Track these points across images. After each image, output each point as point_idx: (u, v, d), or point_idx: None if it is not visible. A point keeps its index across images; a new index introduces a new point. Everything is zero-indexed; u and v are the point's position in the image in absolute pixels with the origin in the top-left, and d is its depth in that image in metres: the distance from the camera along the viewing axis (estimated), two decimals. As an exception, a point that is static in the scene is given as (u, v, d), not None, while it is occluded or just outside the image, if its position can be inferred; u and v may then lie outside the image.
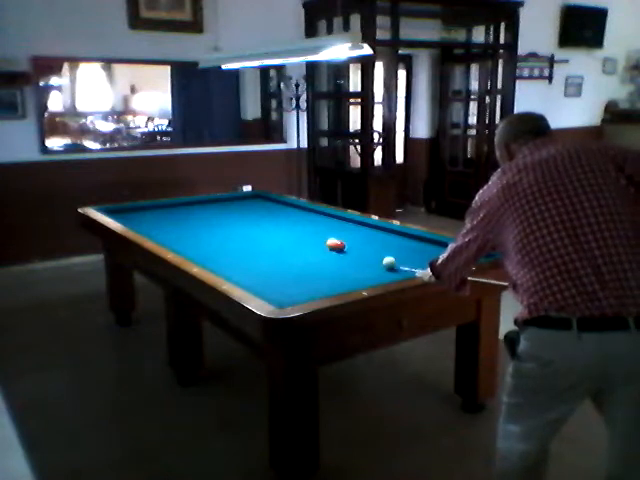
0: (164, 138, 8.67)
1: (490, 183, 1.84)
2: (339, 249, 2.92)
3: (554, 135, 1.88)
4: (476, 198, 1.88)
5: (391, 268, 2.54)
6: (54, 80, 8.34)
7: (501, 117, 6.86)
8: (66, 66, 8.22)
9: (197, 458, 2.58)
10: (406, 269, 2.43)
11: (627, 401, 1.62)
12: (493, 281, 2.28)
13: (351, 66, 6.52)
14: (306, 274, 2.59)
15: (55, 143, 6.77)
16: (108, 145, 7.76)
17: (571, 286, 1.56)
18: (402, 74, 7.29)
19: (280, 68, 6.15)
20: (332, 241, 2.95)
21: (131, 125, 9.41)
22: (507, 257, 1.76)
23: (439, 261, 2.03)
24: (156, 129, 9.04)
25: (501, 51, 6.76)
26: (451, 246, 1.97)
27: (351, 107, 6.78)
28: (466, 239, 1.87)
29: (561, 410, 1.69)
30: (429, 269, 2.11)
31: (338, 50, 2.90)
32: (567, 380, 1.62)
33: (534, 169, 1.72)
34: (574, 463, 2.47)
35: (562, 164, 1.70)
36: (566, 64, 7.90)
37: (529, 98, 7.55)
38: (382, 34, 5.78)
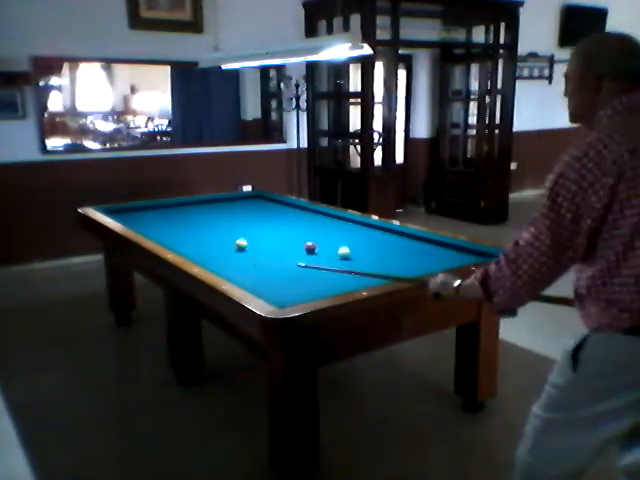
0: (164, 138, 8.66)
1: (580, 162, 1.42)
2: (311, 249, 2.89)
3: None
4: (561, 181, 1.44)
5: (345, 258, 2.62)
6: (54, 80, 8.32)
7: (501, 117, 6.88)
8: (66, 66, 8.21)
9: (197, 458, 2.58)
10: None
11: None
12: (561, 297, 1.79)
13: (351, 66, 6.53)
14: (306, 274, 2.59)
15: (55, 143, 6.76)
16: (108, 145, 7.75)
17: None
18: (402, 74, 7.29)
19: (280, 68, 6.15)
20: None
21: (131, 125, 9.40)
22: (589, 258, 1.50)
23: (493, 271, 1.59)
24: (156, 129, 9.03)
25: (501, 51, 6.76)
26: (513, 248, 1.54)
27: (351, 107, 6.78)
28: (542, 236, 1.48)
29: (623, 422, 1.55)
30: (477, 284, 1.63)
31: (338, 50, 2.90)
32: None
33: (635, 146, 1.40)
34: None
35: None
36: (566, 64, 7.89)
37: (529, 98, 7.56)
38: (382, 34, 5.79)
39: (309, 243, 2.90)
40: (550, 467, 1.69)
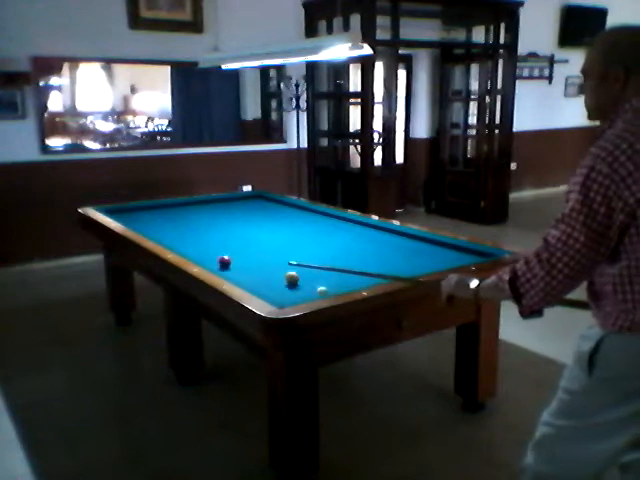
0: (164, 138, 8.67)
1: (612, 155, 1.38)
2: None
3: None
4: (593, 175, 1.38)
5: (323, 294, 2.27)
6: (54, 80, 8.33)
7: (501, 117, 6.88)
8: (66, 66, 8.22)
9: (197, 458, 2.58)
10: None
11: None
12: (579, 300, 1.69)
13: (351, 66, 6.53)
14: (306, 274, 2.59)
15: (55, 143, 6.77)
16: (108, 145, 7.76)
17: None
18: (402, 74, 7.29)
19: (280, 68, 6.15)
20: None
21: (131, 125, 9.41)
22: (614, 256, 1.46)
23: (522, 272, 1.49)
24: (156, 129, 9.03)
25: (501, 51, 6.76)
26: (545, 247, 1.45)
27: (351, 107, 6.77)
28: (576, 233, 1.41)
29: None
30: (505, 285, 1.53)
31: (338, 50, 2.90)
32: None
33: None
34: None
35: None
36: (566, 64, 7.90)
37: (529, 98, 7.56)
38: (382, 34, 5.79)
39: (225, 257, 2.63)
40: (563, 476, 1.64)
